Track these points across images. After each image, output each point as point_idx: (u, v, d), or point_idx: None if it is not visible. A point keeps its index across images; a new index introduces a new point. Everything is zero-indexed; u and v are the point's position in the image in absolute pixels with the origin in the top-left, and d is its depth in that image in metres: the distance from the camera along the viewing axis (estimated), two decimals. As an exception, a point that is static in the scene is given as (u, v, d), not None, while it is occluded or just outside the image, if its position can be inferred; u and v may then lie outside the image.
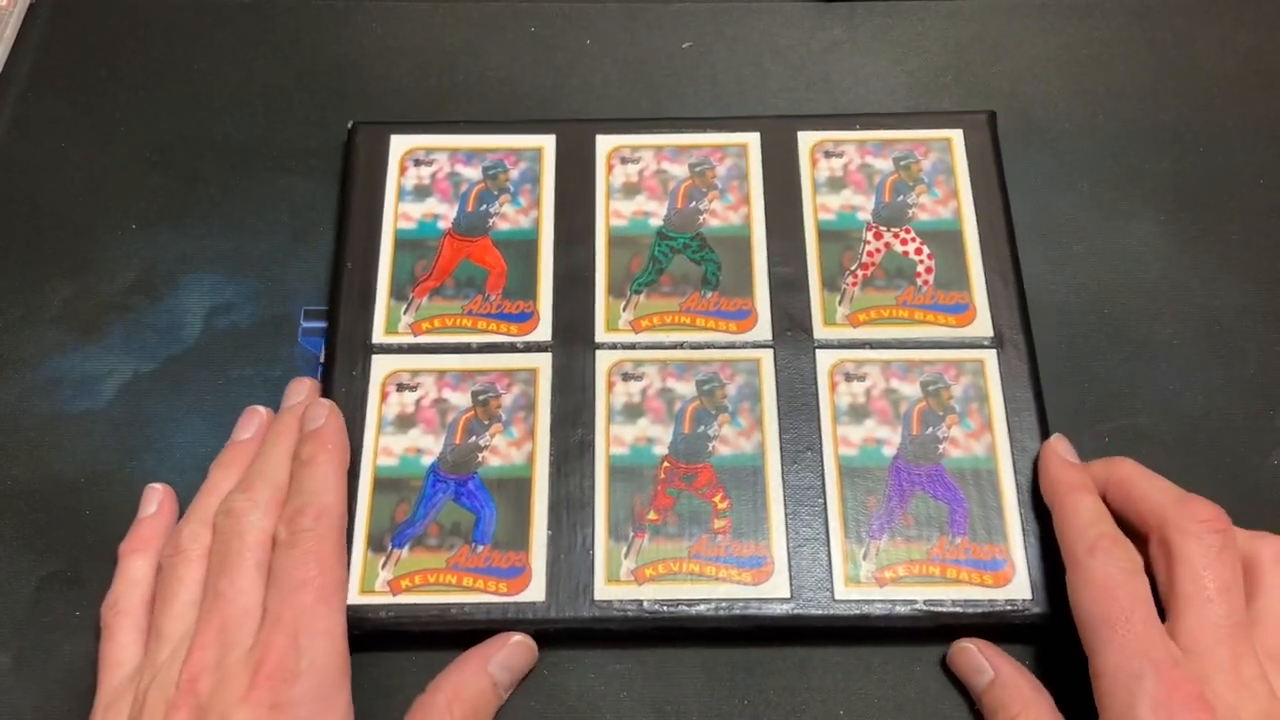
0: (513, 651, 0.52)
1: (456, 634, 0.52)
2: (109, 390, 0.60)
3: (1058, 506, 0.52)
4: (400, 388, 0.58)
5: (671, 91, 0.68)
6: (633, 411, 0.57)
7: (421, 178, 0.63)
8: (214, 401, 0.59)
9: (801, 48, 0.70)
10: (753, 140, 0.64)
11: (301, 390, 0.57)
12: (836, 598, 0.53)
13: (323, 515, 0.51)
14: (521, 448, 0.56)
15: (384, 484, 0.55)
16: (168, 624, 0.49)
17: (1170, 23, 0.71)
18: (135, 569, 0.53)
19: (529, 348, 0.59)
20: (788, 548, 0.54)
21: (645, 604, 0.53)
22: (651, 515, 0.55)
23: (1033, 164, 0.66)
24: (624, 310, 0.60)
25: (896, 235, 0.62)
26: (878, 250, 0.61)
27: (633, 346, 0.59)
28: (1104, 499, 0.52)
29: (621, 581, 0.53)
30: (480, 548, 0.54)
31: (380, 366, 0.58)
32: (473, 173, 0.64)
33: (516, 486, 0.55)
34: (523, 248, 0.62)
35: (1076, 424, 0.58)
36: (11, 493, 0.57)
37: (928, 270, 0.61)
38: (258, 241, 0.64)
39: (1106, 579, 0.47)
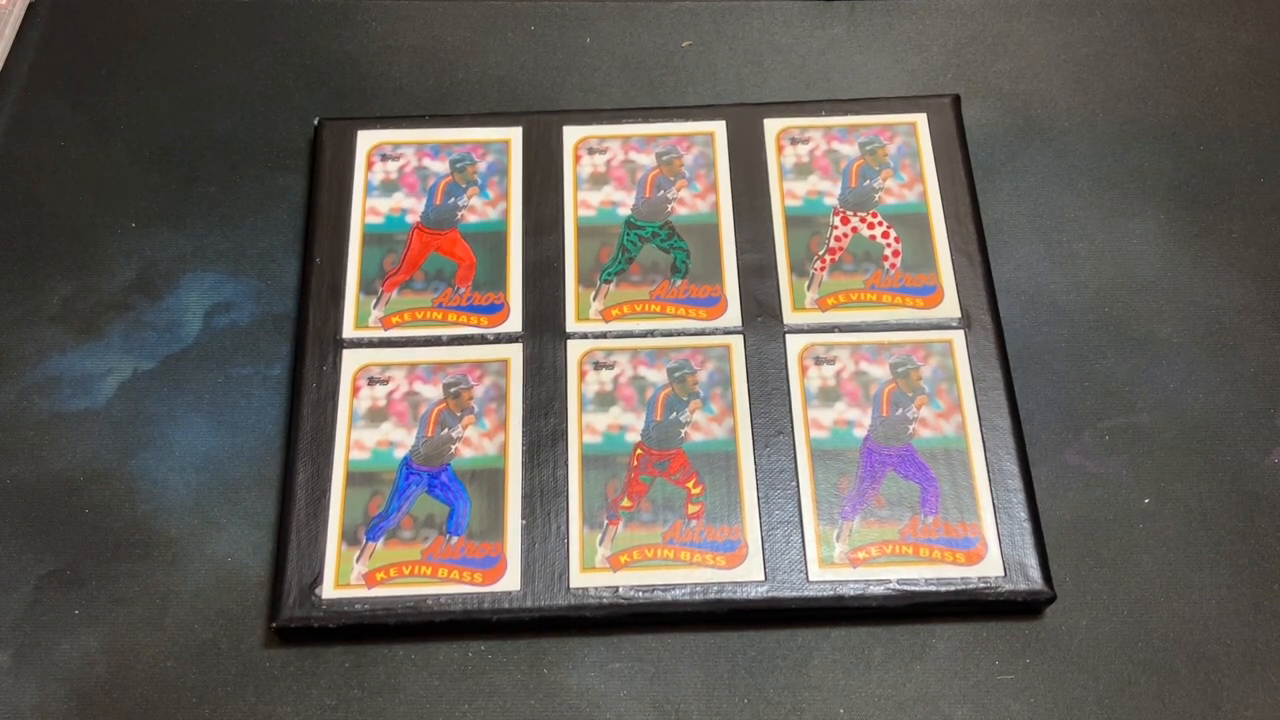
0: None
1: (433, 625, 0.53)
2: (108, 389, 0.60)
3: None
4: (371, 381, 0.58)
5: (672, 90, 0.68)
6: (605, 400, 0.57)
7: (389, 172, 0.64)
8: (213, 400, 0.59)
9: (802, 46, 0.70)
10: (719, 128, 0.65)
11: None
12: (810, 579, 0.53)
13: None
14: (494, 438, 0.57)
15: (357, 478, 0.56)
16: None
17: (1170, 21, 0.70)
18: None
19: (500, 339, 0.59)
20: (761, 531, 0.54)
21: (621, 590, 0.53)
22: (625, 502, 0.55)
23: (1033, 163, 0.66)
24: (594, 299, 0.60)
25: (863, 219, 0.62)
26: (845, 235, 0.62)
27: (603, 335, 0.59)
28: None
29: (597, 569, 0.53)
30: (455, 539, 0.54)
31: (351, 361, 0.58)
32: (440, 166, 0.64)
33: (490, 477, 0.56)
34: (492, 240, 0.62)
35: (1077, 422, 0.58)
36: (11, 491, 0.57)
37: (895, 253, 0.61)
38: (257, 240, 0.64)
39: None
